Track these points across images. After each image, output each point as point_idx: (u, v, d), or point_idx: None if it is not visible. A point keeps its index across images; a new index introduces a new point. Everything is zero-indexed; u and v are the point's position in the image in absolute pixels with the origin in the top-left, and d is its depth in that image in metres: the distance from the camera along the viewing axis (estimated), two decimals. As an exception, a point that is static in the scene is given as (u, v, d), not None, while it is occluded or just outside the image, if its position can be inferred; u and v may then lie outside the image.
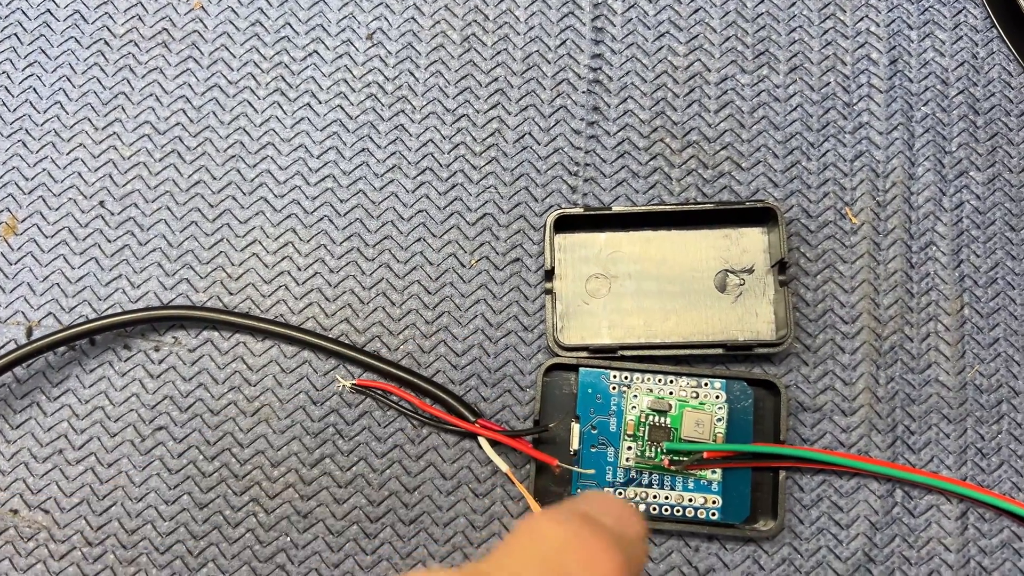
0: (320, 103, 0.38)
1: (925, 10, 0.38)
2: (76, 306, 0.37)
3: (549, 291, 0.35)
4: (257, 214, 0.37)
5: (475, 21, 0.39)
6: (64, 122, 0.38)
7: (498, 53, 0.38)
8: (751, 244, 0.36)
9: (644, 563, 0.20)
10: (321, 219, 0.37)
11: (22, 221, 0.38)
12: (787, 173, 0.37)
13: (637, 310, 0.35)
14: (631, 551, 0.18)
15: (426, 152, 0.38)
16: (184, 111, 0.38)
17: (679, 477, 0.33)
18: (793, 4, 0.38)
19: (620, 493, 0.33)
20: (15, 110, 0.39)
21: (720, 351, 0.34)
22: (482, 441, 0.34)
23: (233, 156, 0.38)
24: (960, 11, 0.38)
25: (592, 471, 0.34)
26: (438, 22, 0.39)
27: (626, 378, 0.34)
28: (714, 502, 0.33)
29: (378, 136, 0.38)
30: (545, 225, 0.35)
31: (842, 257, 0.36)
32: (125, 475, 0.35)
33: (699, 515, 0.33)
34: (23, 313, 0.37)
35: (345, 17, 0.39)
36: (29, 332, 0.37)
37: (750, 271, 0.35)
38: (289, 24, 0.39)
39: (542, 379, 0.34)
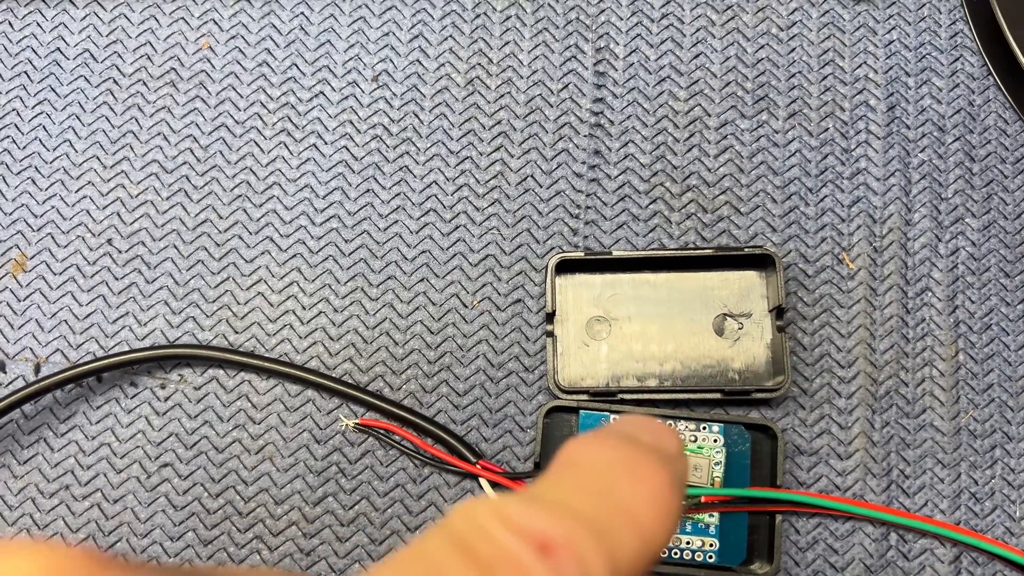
0: (326, 144, 0.39)
1: (923, 57, 0.39)
2: (84, 343, 0.37)
3: (550, 333, 0.36)
4: (263, 253, 0.38)
5: (479, 64, 0.39)
6: (73, 160, 0.39)
7: (501, 96, 0.39)
8: (749, 288, 0.36)
9: (686, 478, 0.19)
10: (326, 259, 0.38)
11: (31, 258, 0.38)
12: (785, 218, 0.37)
13: (637, 352, 0.36)
14: (675, 466, 0.18)
15: (430, 193, 0.38)
16: (191, 150, 0.39)
17: (677, 520, 0.34)
18: (793, 51, 0.39)
19: (618, 536, 0.34)
20: (24, 148, 0.39)
21: (718, 395, 0.35)
22: (483, 483, 0.35)
23: (240, 196, 0.38)
24: (957, 59, 0.39)
25: (591, 515, 0.34)
26: (443, 64, 0.39)
27: (625, 421, 0.35)
28: (711, 545, 0.34)
29: (383, 177, 0.38)
30: (547, 267, 0.36)
31: (839, 302, 0.37)
32: (131, 511, 0.36)
33: (696, 558, 0.34)
34: (31, 349, 0.37)
35: (351, 59, 0.40)
36: (37, 368, 0.37)
37: (748, 315, 0.36)
38: (296, 65, 0.40)
39: (543, 421, 0.35)
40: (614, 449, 0.18)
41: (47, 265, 0.38)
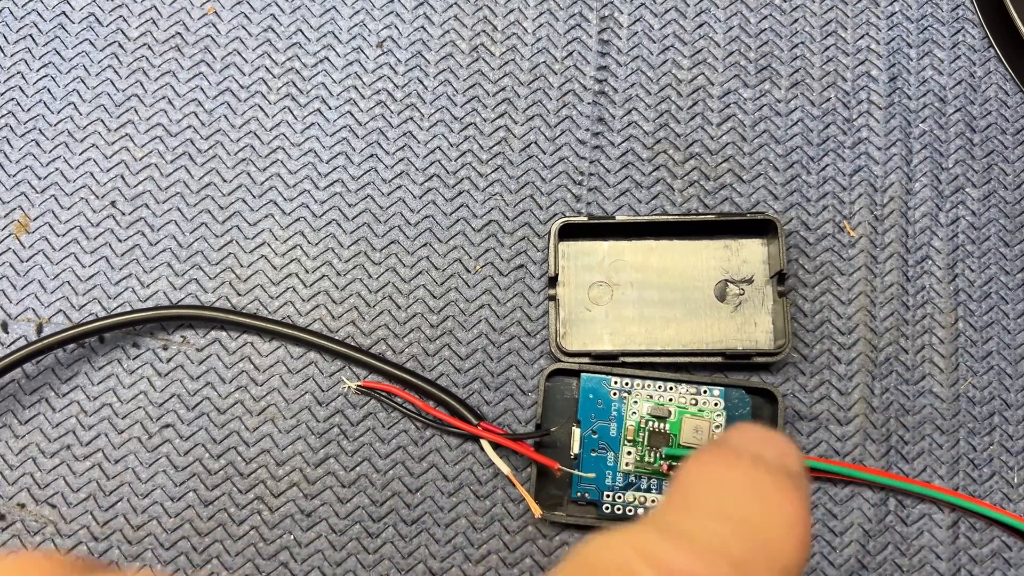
0: (330, 109, 0.39)
1: (925, 29, 0.39)
2: (86, 304, 0.37)
3: (552, 298, 0.36)
4: (266, 217, 0.38)
5: (483, 31, 0.40)
6: (77, 123, 0.39)
7: (506, 63, 0.39)
8: (751, 255, 0.36)
9: (810, 494, 0.19)
10: (329, 223, 0.38)
11: (34, 219, 0.38)
12: (787, 186, 0.38)
13: (638, 318, 0.36)
14: (804, 487, 0.17)
15: (433, 159, 0.38)
16: (196, 114, 0.39)
17: (677, 482, 0.34)
18: (795, 21, 0.39)
19: (619, 497, 0.34)
20: (29, 110, 0.39)
21: (719, 359, 0.35)
22: (484, 444, 0.35)
23: (244, 159, 0.38)
24: (959, 31, 0.39)
25: (592, 475, 0.34)
26: (447, 32, 0.40)
27: (627, 384, 0.35)
28: (711, 507, 0.34)
29: (386, 142, 0.39)
30: (550, 233, 0.36)
31: (840, 269, 0.37)
32: (132, 471, 0.36)
33: (696, 520, 0.34)
34: (33, 310, 0.37)
35: (356, 25, 0.40)
36: (39, 329, 0.37)
37: (749, 281, 0.36)
38: (301, 31, 0.40)
39: (544, 384, 0.35)
40: (743, 472, 0.17)
41: (50, 226, 0.38)
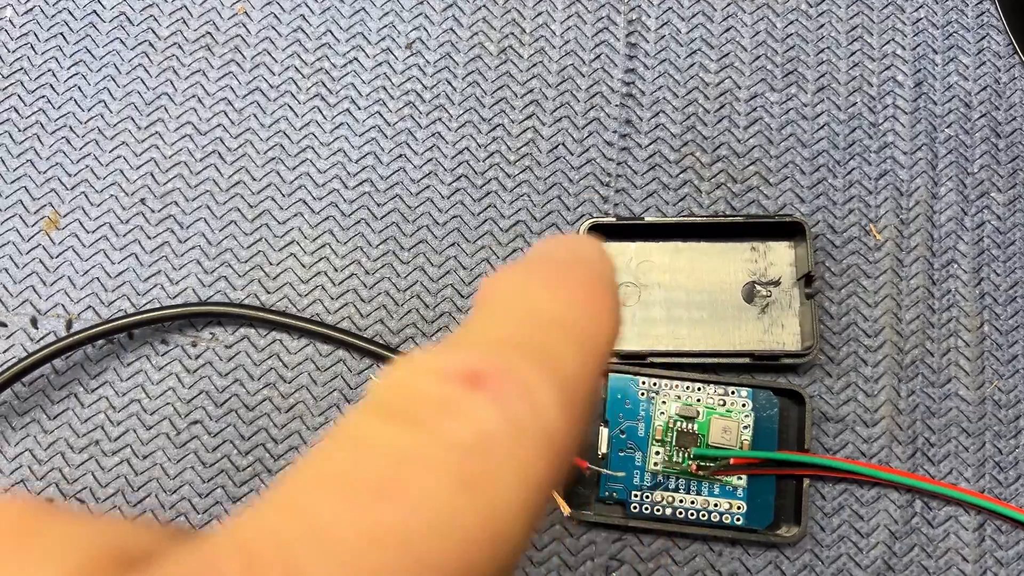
0: (359, 109, 0.39)
1: (950, 35, 0.40)
2: (115, 300, 0.37)
3: (580, 298, 0.36)
4: (296, 215, 0.38)
5: (512, 34, 0.40)
6: (107, 121, 0.39)
7: (534, 65, 0.39)
8: (778, 257, 0.37)
9: (613, 276, 0.17)
10: (358, 222, 0.38)
11: (64, 216, 0.38)
12: (814, 189, 0.38)
13: (666, 319, 0.36)
14: (594, 266, 0.16)
15: (462, 160, 0.39)
16: (225, 113, 0.39)
17: (705, 482, 0.34)
18: (822, 26, 0.40)
19: (647, 496, 0.34)
20: (60, 108, 0.39)
21: (747, 360, 0.35)
22: (513, 442, 0.35)
23: (273, 159, 0.39)
24: (984, 37, 0.39)
25: (621, 473, 0.34)
26: (476, 34, 0.40)
27: (655, 384, 0.35)
28: (739, 507, 0.34)
29: (415, 143, 0.39)
30: (578, 233, 0.36)
31: (866, 272, 0.37)
32: (160, 467, 0.36)
33: (724, 520, 0.34)
34: (63, 306, 0.38)
35: (385, 26, 0.40)
36: (69, 325, 0.37)
37: (776, 284, 0.36)
38: (331, 31, 0.40)
39: (572, 383, 0.35)
40: (528, 271, 0.16)
41: (80, 223, 0.38)
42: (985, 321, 0.37)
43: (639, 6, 0.40)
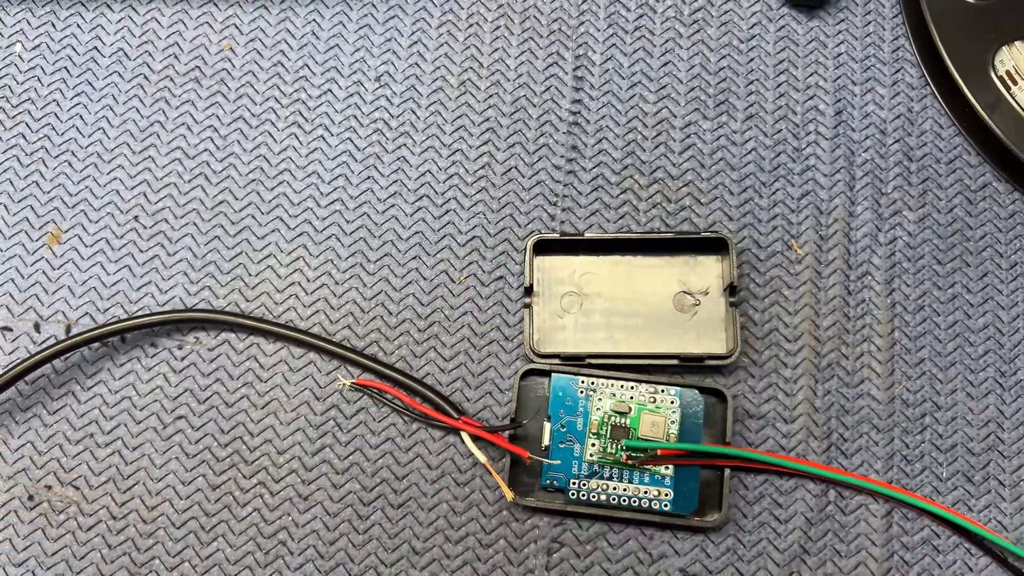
0: (332, 135, 0.43)
1: (868, 68, 0.44)
2: (110, 307, 0.42)
3: (528, 306, 0.40)
4: (273, 231, 0.42)
5: (471, 68, 0.44)
6: (105, 146, 0.44)
7: (490, 96, 0.44)
8: (706, 270, 0.40)
9: None
10: (329, 237, 0.42)
11: (66, 232, 0.42)
12: (741, 208, 0.42)
13: (605, 325, 0.40)
14: None
15: (424, 181, 0.43)
16: (211, 139, 0.43)
17: (636, 471, 0.38)
18: (751, 60, 0.44)
19: (584, 484, 0.38)
20: (63, 134, 0.44)
21: (676, 362, 0.39)
22: (464, 436, 0.39)
23: (253, 180, 0.43)
24: (899, 70, 0.43)
25: (559, 462, 0.38)
26: (438, 68, 0.44)
27: (592, 383, 0.39)
28: (666, 495, 0.38)
29: (382, 166, 0.43)
30: (526, 248, 0.40)
31: (787, 283, 0.41)
32: (147, 458, 0.40)
33: (653, 506, 0.38)
34: (63, 312, 0.42)
35: (356, 61, 0.44)
36: (68, 329, 0.41)
37: (705, 293, 0.40)
38: (307, 66, 0.44)
39: (519, 383, 0.39)
40: None
41: (79, 238, 0.42)
42: (895, 328, 0.40)
43: (586, 43, 0.44)
